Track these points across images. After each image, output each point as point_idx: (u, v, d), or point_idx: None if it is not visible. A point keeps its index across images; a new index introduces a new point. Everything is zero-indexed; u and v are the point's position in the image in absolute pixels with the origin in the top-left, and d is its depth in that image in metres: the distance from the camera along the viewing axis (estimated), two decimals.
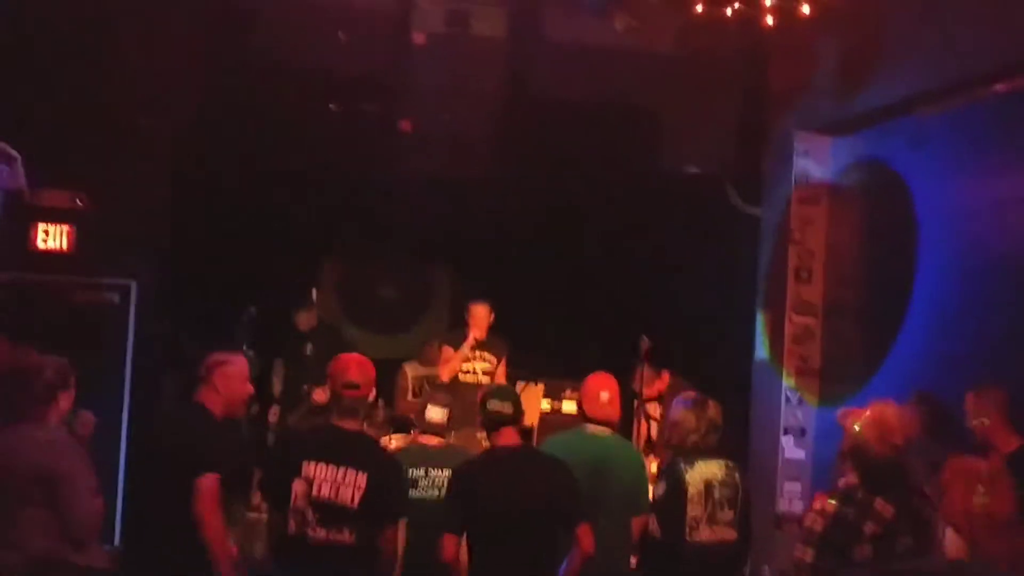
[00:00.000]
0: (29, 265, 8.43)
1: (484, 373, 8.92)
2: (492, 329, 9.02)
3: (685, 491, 5.77)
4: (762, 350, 8.96)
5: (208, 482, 5.36)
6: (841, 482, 4.94)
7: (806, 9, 6.80)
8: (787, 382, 8.73)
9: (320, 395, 9.24)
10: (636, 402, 8.59)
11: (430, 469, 6.38)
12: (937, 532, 4.81)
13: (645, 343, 8.42)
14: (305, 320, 10.07)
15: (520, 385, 9.79)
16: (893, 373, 7.95)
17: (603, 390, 6.36)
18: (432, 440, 6.56)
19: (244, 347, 9.50)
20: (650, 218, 10.03)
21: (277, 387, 10.09)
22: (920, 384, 7.21)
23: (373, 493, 5.29)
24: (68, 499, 5.01)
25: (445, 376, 8.83)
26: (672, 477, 5.85)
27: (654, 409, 8.84)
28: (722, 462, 5.93)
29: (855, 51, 8.04)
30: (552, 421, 9.49)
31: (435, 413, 6.57)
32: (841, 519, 4.85)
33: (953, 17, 7.03)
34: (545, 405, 9.86)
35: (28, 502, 4.97)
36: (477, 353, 8.96)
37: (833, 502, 4.89)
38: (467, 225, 10.28)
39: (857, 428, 5.07)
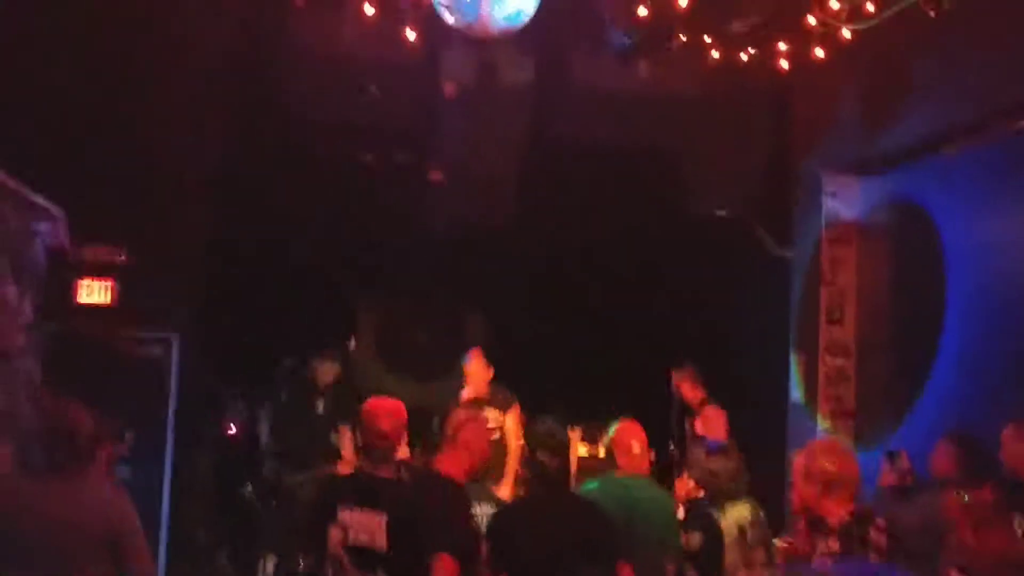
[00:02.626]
0: (73, 319, 8.58)
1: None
2: (495, 382, 8.86)
3: (721, 539, 5.77)
4: (796, 392, 8.93)
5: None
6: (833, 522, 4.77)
7: (820, 52, 6.83)
8: (822, 424, 8.68)
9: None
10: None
11: None
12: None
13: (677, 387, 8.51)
14: (324, 373, 9.58)
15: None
16: (927, 412, 7.92)
17: (634, 440, 6.32)
18: None
19: (282, 396, 9.62)
20: (681, 262, 10.05)
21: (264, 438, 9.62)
22: (955, 421, 7.18)
23: (397, 533, 5.32)
24: (133, 558, 4.99)
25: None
26: (707, 525, 5.84)
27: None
28: (747, 502, 5.94)
29: (879, 90, 8.09)
30: (590, 466, 9.46)
31: None
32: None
33: (975, 53, 7.06)
34: (582, 451, 9.85)
35: (95, 561, 4.93)
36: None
37: (834, 539, 4.73)
38: (500, 271, 10.33)
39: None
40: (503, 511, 5.80)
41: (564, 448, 6.02)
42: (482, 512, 6.21)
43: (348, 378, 10.12)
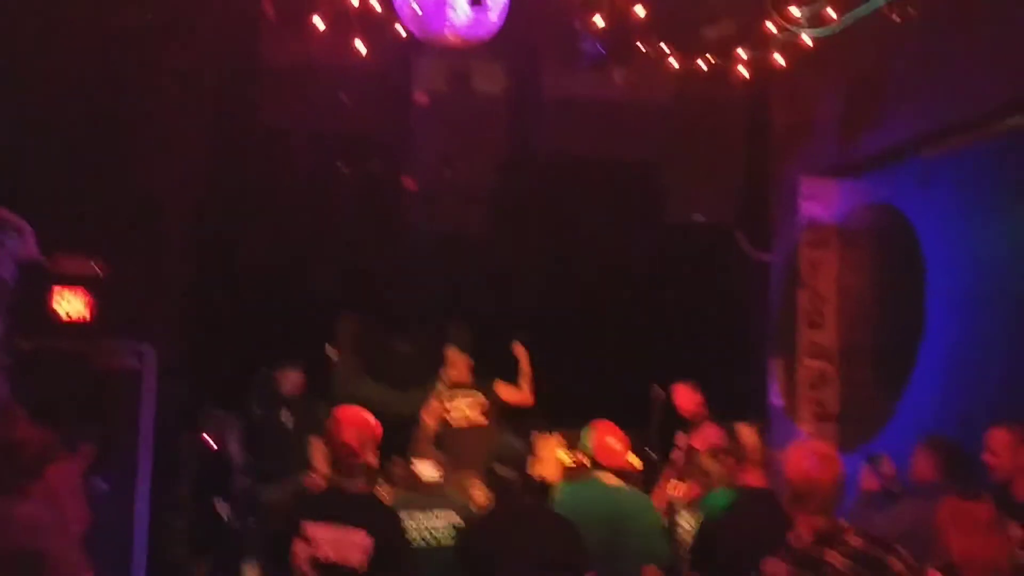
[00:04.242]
0: (46, 332, 8.48)
1: (471, 409, 9.06)
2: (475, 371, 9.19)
3: None
4: (777, 397, 8.89)
5: None
6: (792, 539, 4.64)
7: (780, 60, 6.79)
8: (804, 428, 8.64)
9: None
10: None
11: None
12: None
13: (658, 394, 8.43)
14: (287, 383, 9.41)
15: (534, 435, 9.74)
16: (909, 416, 7.89)
17: (609, 435, 6.42)
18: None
19: (255, 409, 9.50)
20: (660, 268, 10.03)
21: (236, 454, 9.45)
22: (936, 426, 7.15)
23: (378, 553, 5.23)
24: None
25: (429, 420, 8.97)
26: None
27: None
28: None
29: (855, 93, 8.07)
30: (576, 474, 9.40)
31: (426, 470, 6.58)
32: None
33: (955, 56, 7.04)
34: (565, 457, 9.78)
35: None
36: (458, 392, 9.13)
37: (784, 564, 4.48)
38: (477, 279, 10.31)
39: None
40: (470, 529, 5.75)
41: (522, 461, 6.03)
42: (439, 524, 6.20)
43: (325, 387, 10.04)
